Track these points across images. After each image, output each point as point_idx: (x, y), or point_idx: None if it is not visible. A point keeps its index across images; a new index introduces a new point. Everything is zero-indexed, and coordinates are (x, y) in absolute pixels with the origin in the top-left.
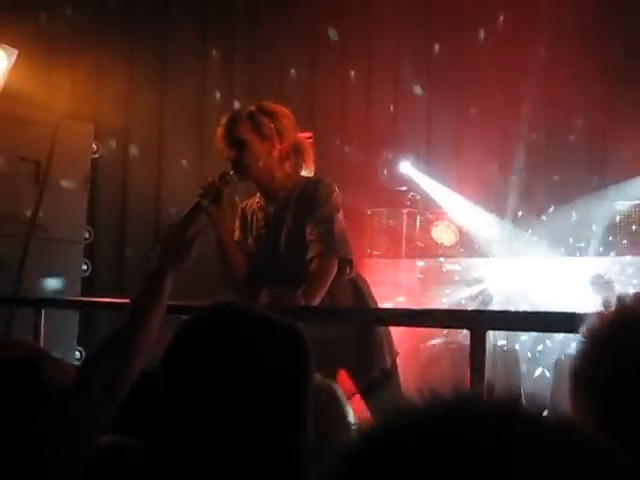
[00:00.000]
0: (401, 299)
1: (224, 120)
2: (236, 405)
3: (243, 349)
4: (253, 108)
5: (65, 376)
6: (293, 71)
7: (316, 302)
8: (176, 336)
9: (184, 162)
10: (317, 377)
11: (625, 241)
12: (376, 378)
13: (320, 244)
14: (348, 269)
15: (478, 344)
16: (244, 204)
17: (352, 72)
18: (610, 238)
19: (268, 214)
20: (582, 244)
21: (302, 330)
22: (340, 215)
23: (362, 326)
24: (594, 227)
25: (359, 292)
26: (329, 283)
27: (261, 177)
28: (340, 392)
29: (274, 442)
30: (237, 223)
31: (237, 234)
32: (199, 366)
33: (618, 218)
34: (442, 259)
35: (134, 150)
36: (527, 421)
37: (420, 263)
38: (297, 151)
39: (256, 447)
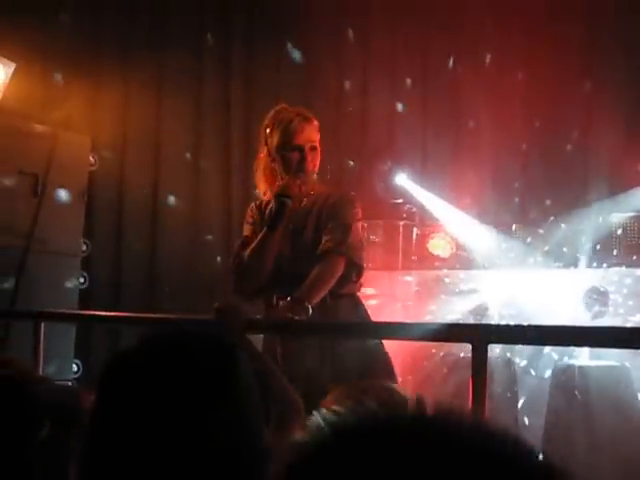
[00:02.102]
0: (398, 312)
1: (288, 123)
2: (172, 427)
3: (174, 373)
4: (307, 114)
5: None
6: (289, 85)
7: (315, 299)
8: (105, 373)
9: (181, 174)
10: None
11: (621, 253)
12: None
13: (331, 243)
14: (355, 277)
15: (479, 357)
16: (258, 201)
17: (347, 83)
18: (606, 250)
19: (291, 217)
20: (577, 256)
21: (230, 343)
22: (358, 225)
23: (365, 341)
24: (590, 239)
25: (359, 311)
26: (333, 282)
27: (313, 178)
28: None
29: (218, 453)
30: (250, 219)
31: (249, 230)
32: (131, 400)
33: (614, 230)
34: (438, 271)
35: (131, 162)
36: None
37: (416, 275)
38: None
39: (205, 463)
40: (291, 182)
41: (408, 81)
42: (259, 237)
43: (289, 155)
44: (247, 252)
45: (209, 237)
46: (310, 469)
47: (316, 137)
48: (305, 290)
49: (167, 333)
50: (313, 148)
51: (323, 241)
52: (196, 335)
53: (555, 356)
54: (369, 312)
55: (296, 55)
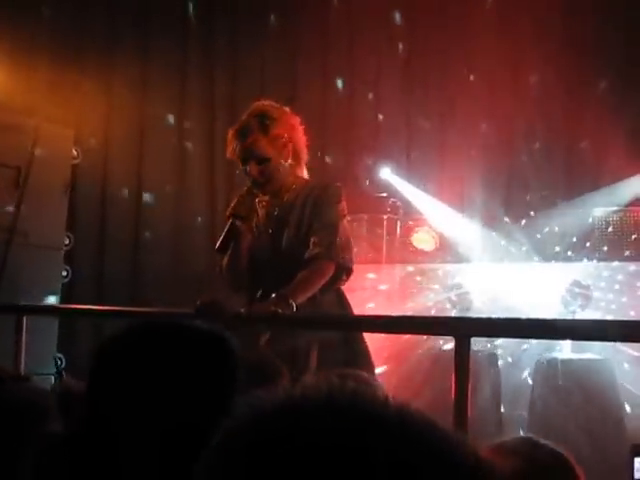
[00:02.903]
0: (382, 305)
1: (237, 133)
2: (165, 416)
3: (164, 362)
4: (265, 116)
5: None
6: (274, 79)
7: (300, 299)
8: (97, 358)
9: (164, 168)
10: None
11: (604, 247)
12: None
13: (320, 247)
14: (344, 277)
15: (462, 350)
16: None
17: (334, 78)
18: (589, 244)
19: (272, 213)
20: (560, 250)
21: (224, 333)
22: (345, 221)
23: (347, 335)
24: (573, 233)
25: (343, 304)
26: (319, 286)
27: (277, 183)
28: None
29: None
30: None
31: None
32: (124, 388)
33: (596, 224)
34: (422, 265)
35: (114, 155)
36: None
37: (400, 269)
38: (296, 152)
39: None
40: (242, 200)
41: (394, 76)
42: (227, 255)
43: (241, 164)
44: (224, 261)
45: (198, 218)
46: (225, 450)
47: (268, 148)
48: (291, 288)
49: (154, 321)
50: (261, 161)
51: (311, 245)
52: (187, 323)
53: (539, 349)
54: (351, 304)
55: (281, 53)
